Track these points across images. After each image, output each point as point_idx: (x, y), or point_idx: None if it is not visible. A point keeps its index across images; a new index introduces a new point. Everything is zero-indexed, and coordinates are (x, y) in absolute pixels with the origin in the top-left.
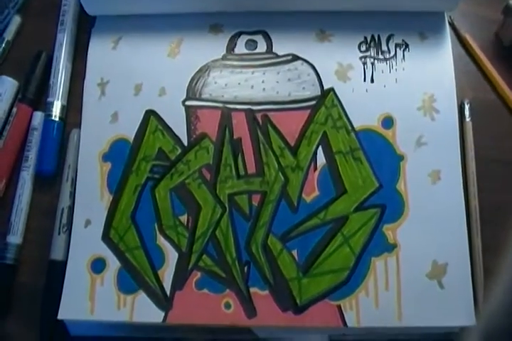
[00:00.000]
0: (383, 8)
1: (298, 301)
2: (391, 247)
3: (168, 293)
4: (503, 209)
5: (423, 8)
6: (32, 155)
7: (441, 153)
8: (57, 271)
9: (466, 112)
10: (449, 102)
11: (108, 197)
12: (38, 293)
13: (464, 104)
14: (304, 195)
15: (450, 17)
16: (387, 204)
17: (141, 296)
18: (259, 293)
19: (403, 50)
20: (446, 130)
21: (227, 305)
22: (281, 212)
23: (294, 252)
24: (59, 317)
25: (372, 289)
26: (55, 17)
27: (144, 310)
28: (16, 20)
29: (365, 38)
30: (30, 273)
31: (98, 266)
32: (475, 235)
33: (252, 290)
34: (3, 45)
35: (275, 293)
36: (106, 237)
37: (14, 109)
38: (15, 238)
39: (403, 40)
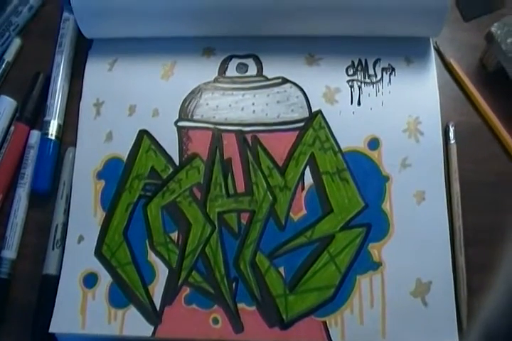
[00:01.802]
0: (370, 33)
1: (284, 317)
2: (376, 265)
3: (157, 307)
4: (487, 230)
5: (408, 34)
6: (28, 172)
7: (425, 174)
8: (50, 286)
9: (451, 134)
10: (434, 125)
11: (101, 214)
12: (31, 307)
13: (448, 127)
14: (291, 214)
15: (436, 42)
16: (372, 224)
17: (132, 311)
18: (247, 309)
19: (389, 74)
20: (431, 152)
21: (215, 321)
22: (269, 230)
23: (281, 269)
24: (50, 330)
25: (357, 306)
26: (54, 39)
27: (134, 324)
28: (16, 42)
29: (353, 62)
30: (23, 288)
31: (90, 280)
32: (459, 254)
33: (240, 306)
34: (3, 66)
35: (262, 309)
36: (98, 253)
37: (12, 128)
38: (9, 253)
39: (389, 65)
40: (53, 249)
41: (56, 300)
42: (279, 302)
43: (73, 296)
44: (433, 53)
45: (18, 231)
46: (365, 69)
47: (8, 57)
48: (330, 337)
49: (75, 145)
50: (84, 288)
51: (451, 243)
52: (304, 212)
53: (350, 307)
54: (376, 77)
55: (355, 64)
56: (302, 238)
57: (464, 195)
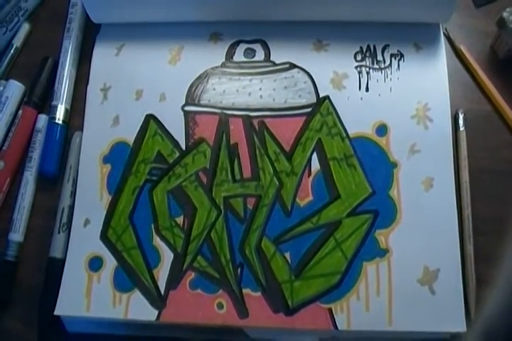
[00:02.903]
0: (379, 18)
1: (289, 303)
2: (383, 252)
3: (162, 292)
4: (497, 219)
5: (418, 19)
6: (35, 156)
7: (434, 161)
8: (56, 268)
9: (460, 122)
10: (443, 111)
11: (107, 198)
12: (37, 289)
13: (458, 114)
14: (297, 200)
15: (446, 29)
16: (379, 210)
17: (136, 295)
18: (252, 295)
19: (398, 60)
20: (440, 138)
21: (220, 306)
22: (275, 216)
23: (287, 255)
24: (55, 312)
25: (364, 293)
26: (62, 24)
27: (139, 308)
28: (25, 27)
29: (361, 47)
30: (30, 270)
31: (95, 264)
32: (467, 243)
33: (245, 291)
34: (12, 51)
35: (267, 295)
36: (104, 236)
37: (20, 112)
38: (16, 235)
39: (398, 51)
40: (59, 232)
41: (61, 283)
42: (285, 288)
43: (78, 279)
44: (443, 39)
45: (25, 214)
46: (374, 55)
47: (17, 42)
48: (336, 324)
49: (81, 129)
50: (89, 272)
51: (459, 231)
52: (311, 197)
53: (356, 294)
54: (385, 62)
55: (364, 50)
56: (308, 224)
57: (473, 182)
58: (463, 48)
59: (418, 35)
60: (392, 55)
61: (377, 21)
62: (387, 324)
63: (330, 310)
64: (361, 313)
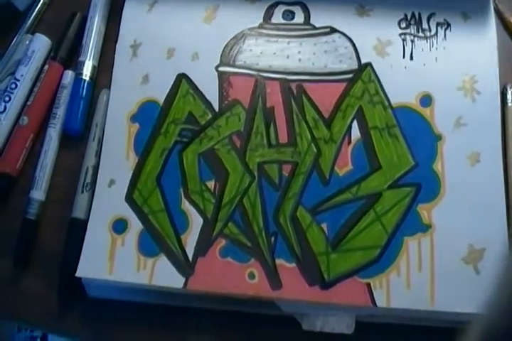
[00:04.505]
0: None
1: (325, 276)
2: (425, 227)
3: (190, 258)
4: None
5: None
6: (60, 112)
7: (481, 135)
8: (78, 229)
9: (509, 97)
10: (492, 84)
11: (134, 159)
12: (59, 250)
13: (506, 89)
14: (336, 168)
15: (494, 1)
16: (422, 184)
17: (162, 260)
18: (286, 265)
19: (445, 29)
20: (488, 112)
21: (251, 276)
22: (312, 184)
23: (324, 226)
24: (77, 274)
25: (405, 269)
26: None
27: (164, 275)
28: None
29: (406, 15)
30: (51, 231)
31: (120, 226)
32: None
33: (278, 261)
34: (39, 5)
35: (302, 267)
36: (129, 198)
37: (46, 67)
38: (38, 193)
39: (445, 19)
40: (82, 192)
41: (84, 245)
42: (321, 260)
43: (102, 241)
44: (492, 9)
45: (47, 173)
46: (419, 23)
47: None
48: (374, 300)
49: (109, 87)
50: (113, 234)
51: (506, 209)
52: (350, 167)
53: (396, 270)
54: (430, 31)
55: (408, 17)
56: (347, 194)
57: None
58: None
59: (466, 4)
60: (438, 24)
61: None
62: (429, 303)
63: (368, 285)
64: (401, 290)
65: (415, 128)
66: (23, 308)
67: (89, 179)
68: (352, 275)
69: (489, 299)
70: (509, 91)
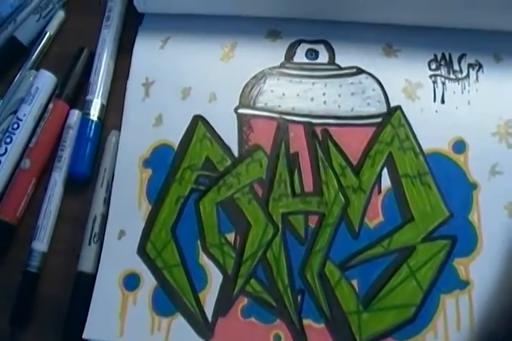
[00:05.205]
0: (456, 25)
1: (357, 338)
2: (463, 284)
3: (209, 318)
4: None
5: (500, 27)
6: (66, 155)
7: None
8: (85, 285)
9: None
10: None
11: (146, 207)
12: (63, 307)
13: None
14: (366, 220)
15: None
16: (458, 236)
17: (179, 320)
18: (314, 326)
19: (476, 71)
20: None
21: (277, 337)
22: (340, 237)
23: (354, 282)
24: (84, 336)
25: (442, 329)
26: (101, 13)
27: (182, 337)
28: (60, 14)
29: (435, 55)
30: (55, 286)
31: (131, 282)
32: None
33: (306, 322)
34: (45, 40)
35: (331, 327)
36: (142, 251)
37: (50, 106)
38: (40, 245)
39: (476, 61)
40: (90, 243)
41: (92, 302)
42: (352, 320)
43: (111, 299)
44: None
45: (51, 221)
46: (450, 65)
47: (51, 30)
48: None
49: (119, 128)
50: (124, 290)
51: None
52: (381, 218)
53: (433, 330)
54: (462, 73)
55: (438, 58)
56: (379, 248)
57: None
58: None
59: (498, 45)
60: (469, 65)
61: (454, 28)
62: None
63: None
64: None
65: (448, 176)
66: None
67: (97, 229)
68: (386, 336)
69: (490, 301)
70: None
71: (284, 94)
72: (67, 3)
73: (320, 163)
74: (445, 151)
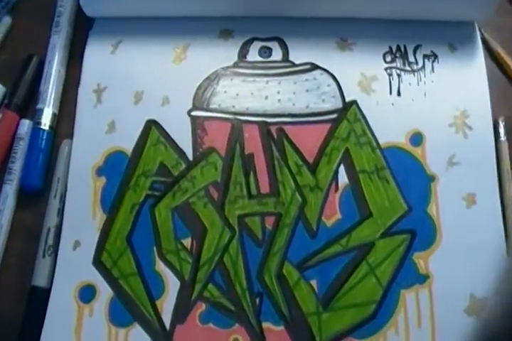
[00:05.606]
0: (410, 16)
1: (317, 339)
2: (423, 278)
3: (167, 326)
4: None
5: (454, 18)
6: (16, 167)
7: (476, 174)
8: (39, 299)
9: (501, 131)
10: (484, 119)
11: (101, 216)
12: (16, 323)
13: (498, 123)
14: (323, 218)
15: (480, 30)
16: (417, 230)
17: (137, 330)
18: (273, 329)
19: (432, 62)
20: (481, 149)
21: None
22: (298, 237)
23: (313, 283)
24: None
25: (403, 326)
26: (50, 18)
27: None
28: (6, 21)
29: (390, 47)
30: (7, 301)
31: (87, 294)
32: None
33: (265, 325)
34: None
35: (291, 329)
36: (97, 261)
37: None
38: None
39: (432, 51)
40: (44, 256)
41: (46, 317)
42: (311, 321)
43: (67, 312)
44: (479, 39)
45: (3, 235)
46: (405, 56)
47: None
48: None
49: (71, 137)
50: (80, 303)
51: (507, 253)
52: (339, 216)
53: (394, 327)
54: (417, 64)
55: (394, 50)
56: (337, 246)
57: None
58: (500, 51)
59: (452, 35)
60: (425, 56)
61: (408, 19)
62: None
63: None
64: None
65: (406, 170)
66: None
67: (51, 241)
68: (346, 335)
69: (490, 301)
70: (501, 125)
71: (237, 94)
72: (14, 8)
73: (276, 163)
74: (402, 144)
